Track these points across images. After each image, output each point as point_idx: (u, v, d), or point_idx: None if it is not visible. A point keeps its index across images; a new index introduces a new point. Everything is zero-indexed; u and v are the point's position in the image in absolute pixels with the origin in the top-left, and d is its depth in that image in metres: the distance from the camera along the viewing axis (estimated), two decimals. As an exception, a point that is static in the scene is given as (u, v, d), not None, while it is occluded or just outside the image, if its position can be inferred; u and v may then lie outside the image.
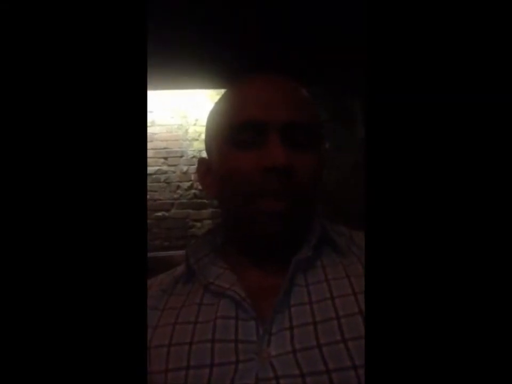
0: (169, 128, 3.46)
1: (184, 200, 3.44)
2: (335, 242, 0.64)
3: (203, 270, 0.64)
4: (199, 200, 3.43)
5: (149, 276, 0.65)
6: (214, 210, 3.38)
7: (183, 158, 3.45)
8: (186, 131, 3.46)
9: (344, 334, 0.53)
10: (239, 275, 0.62)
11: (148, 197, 3.33)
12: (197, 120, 3.44)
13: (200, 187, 2.83)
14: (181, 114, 3.46)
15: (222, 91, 0.70)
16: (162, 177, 3.44)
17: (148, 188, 3.33)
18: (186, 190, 3.44)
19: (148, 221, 3.30)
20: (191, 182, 3.43)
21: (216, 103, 0.68)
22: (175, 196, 3.44)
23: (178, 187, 3.44)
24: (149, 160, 3.32)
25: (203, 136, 0.72)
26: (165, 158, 3.45)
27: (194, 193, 3.43)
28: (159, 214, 3.40)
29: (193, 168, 3.32)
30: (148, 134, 3.33)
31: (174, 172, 3.45)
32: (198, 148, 3.40)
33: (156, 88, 3.04)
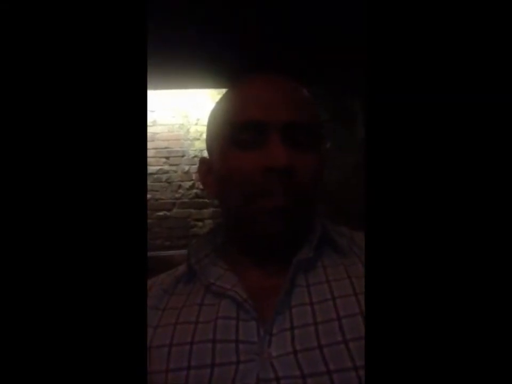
0: (171, 127, 3.46)
1: (186, 200, 3.44)
2: (336, 242, 0.64)
3: (204, 270, 0.64)
4: (201, 200, 3.43)
5: (150, 275, 0.65)
6: (215, 210, 3.38)
7: (185, 157, 3.45)
8: (188, 131, 3.46)
9: (345, 335, 0.53)
10: (240, 275, 0.62)
11: (149, 196, 3.33)
12: (198, 119, 3.44)
13: (201, 187, 2.83)
14: (182, 114, 3.46)
15: (223, 91, 0.70)
16: (164, 176, 3.44)
17: (150, 188, 3.34)
18: (187, 189, 3.45)
19: (150, 221, 3.30)
20: (192, 182, 3.43)
21: (217, 103, 0.68)
22: (177, 195, 3.44)
23: (179, 187, 3.44)
24: (150, 160, 3.32)
25: (204, 135, 0.72)
26: (167, 158, 3.45)
27: (196, 193, 3.43)
28: (161, 213, 3.41)
29: (194, 168, 3.32)
30: (149, 134, 3.33)
31: (175, 172, 3.45)
32: (200, 147, 3.40)
33: (157, 88, 3.04)
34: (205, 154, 0.71)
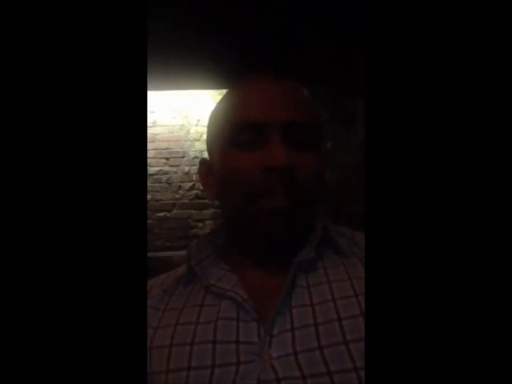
0: (171, 128, 3.46)
1: (186, 201, 3.45)
2: (337, 243, 0.64)
3: (204, 271, 0.64)
4: (201, 201, 3.43)
5: (150, 276, 0.65)
6: (215, 210, 3.39)
7: (185, 158, 3.46)
8: (188, 131, 3.46)
9: (345, 336, 0.53)
10: (240, 275, 0.62)
11: (150, 197, 3.33)
12: (198, 120, 3.44)
13: (201, 187, 2.83)
14: (183, 114, 3.46)
15: (224, 91, 0.70)
16: (164, 177, 3.44)
17: (150, 188, 3.34)
18: (188, 190, 3.45)
19: (150, 221, 3.30)
20: (192, 183, 3.44)
21: (218, 104, 0.68)
22: (177, 196, 3.44)
23: (180, 187, 3.45)
24: (150, 161, 3.33)
25: (205, 136, 0.72)
26: (167, 159, 3.45)
27: (196, 194, 3.43)
28: (161, 214, 3.41)
29: (194, 169, 3.32)
30: (150, 135, 3.34)
31: (175, 172, 3.45)
32: (200, 148, 3.40)
33: (157, 88, 3.04)
34: (205, 155, 0.71)
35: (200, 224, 3.43)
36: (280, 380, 0.51)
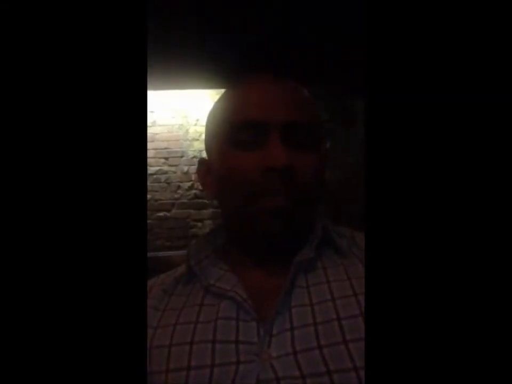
0: (170, 128, 3.46)
1: (185, 200, 3.44)
2: (336, 243, 0.64)
3: (204, 271, 0.64)
4: (200, 200, 3.43)
5: (150, 275, 0.65)
6: (214, 210, 3.39)
7: (184, 158, 3.46)
8: (187, 131, 3.46)
9: (345, 336, 0.53)
10: (240, 275, 0.62)
11: (149, 197, 3.33)
12: (197, 120, 3.44)
13: (200, 187, 2.83)
14: (182, 114, 3.46)
15: (223, 91, 0.69)
16: (163, 177, 3.44)
17: (149, 188, 3.34)
18: (187, 190, 3.45)
19: (149, 221, 3.30)
20: (191, 182, 3.44)
21: (216, 103, 0.68)
22: (176, 196, 3.44)
23: (179, 187, 3.45)
24: (149, 160, 3.32)
25: (203, 136, 0.72)
26: (166, 158, 3.45)
27: (195, 194, 3.43)
28: (161, 214, 3.41)
29: (193, 168, 3.32)
30: (149, 134, 3.33)
31: (174, 172, 3.45)
32: (199, 148, 3.40)
33: (156, 88, 3.04)
34: (204, 154, 0.71)
35: (199, 224, 3.43)
36: (279, 379, 0.51)
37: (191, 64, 2.67)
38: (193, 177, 3.41)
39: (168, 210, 3.43)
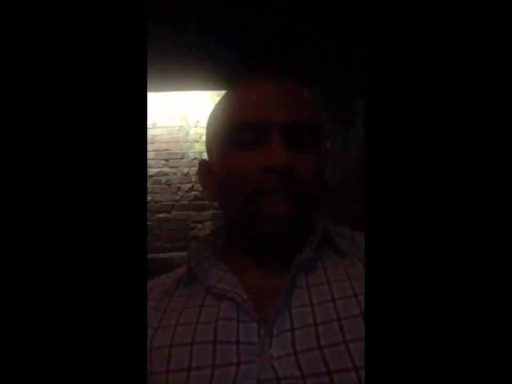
0: (170, 130, 3.46)
1: (185, 202, 3.44)
2: (336, 243, 0.64)
3: (205, 273, 0.64)
4: (200, 202, 3.43)
5: (150, 277, 0.65)
6: (215, 212, 3.39)
7: (184, 159, 3.46)
8: (187, 133, 3.46)
9: (345, 336, 0.53)
10: (240, 276, 0.62)
11: (149, 198, 3.33)
12: (198, 121, 3.44)
13: (201, 189, 2.83)
14: (182, 116, 3.46)
15: (223, 93, 0.70)
16: (163, 179, 3.44)
17: (149, 190, 3.34)
18: (187, 191, 3.45)
19: (150, 223, 3.30)
20: (192, 184, 3.44)
21: (217, 104, 0.68)
22: (176, 197, 3.44)
23: (179, 189, 3.45)
24: (150, 162, 3.33)
25: (204, 137, 0.72)
26: (166, 160, 3.45)
27: (195, 195, 3.43)
28: (161, 215, 3.41)
29: (194, 170, 3.32)
30: (149, 136, 3.34)
31: (175, 174, 3.45)
32: (199, 149, 3.40)
33: (156, 89, 3.04)
34: (205, 156, 0.71)
35: (200, 226, 3.43)
36: (280, 380, 0.51)
37: (191, 65, 2.67)
38: (194, 178, 3.41)
39: (169, 212, 3.43)
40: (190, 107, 3.44)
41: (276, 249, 0.62)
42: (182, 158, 3.46)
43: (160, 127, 3.44)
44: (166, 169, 3.45)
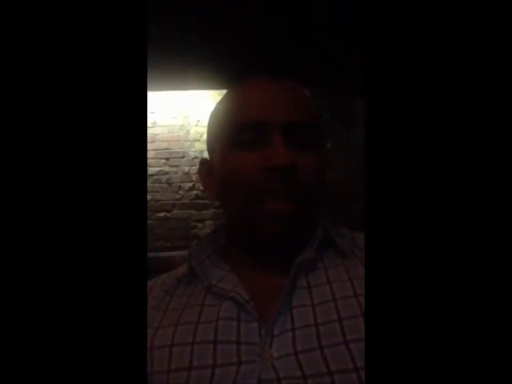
0: (171, 129, 3.46)
1: (186, 201, 3.44)
2: (337, 243, 0.64)
3: (205, 272, 0.64)
4: (201, 201, 3.43)
5: (150, 276, 0.65)
6: (215, 211, 3.39)
7: (185, 158, 3.46)
8: (188, 132, 3.46)
9: (346, 336, 0.53)
10: (241, 276, 0.62)
11: (150, 197, 3.33)
12: (198, 120, 3.44)
13: (201, 188, 2.83)
14: (183, 115, 3.46)
15: (224, 92, 0.70)
16: (164, 177, 3.44)
17: (150, 189, 3.34)
18: (187, 190, 3.45)
19: (150, 222, 3.30)
20: (192, 183, 3.44)
21: (218, 104, 0.68)
22: (177, 196, 3.44)
23: (180, 188, 3.44)
24: (150, 161, 3.33)
25: (205, 136, 0.72)
26: (167, 159, 3.45)
27: (196, 194, 3.43)
28: (161, 214, 3.41)
29: (194, 169, 3.32)
30: (150, 135, 3.34)
31: (175, 173, 3.45)
32: (200, 148, 3.40)
33: (157, 89, 3.04)
34: (206, 155, 0.71)
35: (200, 225, 3.43)
36: (281, 380, 0.51)
37: (192, 64, 2.66)
38: (195, 177, 3.41)
39: (169, 211, 3.43)
40: (190, 106, 3.44)
41: (276, 249, 0.62)
42: (182, 157, 3.46)
43: (160, 126, 3.44)
44: (166, 168, 3.45)
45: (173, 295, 0.65)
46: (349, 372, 0.50)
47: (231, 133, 0.62)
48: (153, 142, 3.38)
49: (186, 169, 3.44)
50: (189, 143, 3.46)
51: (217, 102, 0.69)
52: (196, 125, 3.45)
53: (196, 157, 3.43)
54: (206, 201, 3.41)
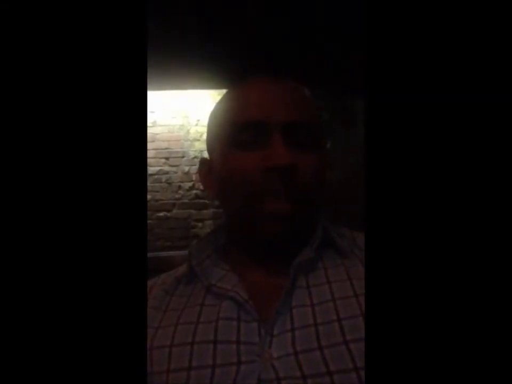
0: (171, 128, 3.46)
1: (186, 201, 3.45)
2: (337, 243, 0.64)
3: (205, 271, 0.64)
4: (201, 201, 3.43)
5: (151, 276, 0.65)
6: (215, 210, 3.39)
7: (185, 158, 3.46)
8: (188, 131, 3.46)
9: (345, 336, 0.53)
10: (241, 276, 0.62)
11: (150, 197, 3.33)
12: (198, 120, 3.44)
13: (201, 187, 2.83)
14: (183, 114, 3.46)
15: (224, 91, 0.70)
16: (164, 177, 3.44)
17: (150, 188, 3.34)
18: (187, 190, 3.45)
19: (150, 221, 3.30)
20: (192, 182, 3.44)
21: (218, 104, 0.68)
22: (177, 196, 3.44)
23: (179, 187, 3.45)
24: (150, 161, 3.33)
25: (205, 136, 0.72)
26: (167, 158, 3.45)
27: (196, 194, 3.43)
28: (161, 214, 3.41)
29: (194, 169, 3.32)
30: (150, 135, 3.34)
31: (175, 172, 3.45)
32: (200, 148, 3.40)
33: (157, 88, 3.04)
34: (205, 155, 0.71)
35: (200, 224, 3.43)
36: (280, 380, 0.51)
37: (192, 64, 2.66)
38: (194, 177, 3.41)
39: (169, 211, 3.43)
40: (190, 106, 3.44)
41: (276, 249, 0.62)
42: (182, 157, 3.46)
43: (160, 126, 3.44)
44: (166, 168, 3.45)
45: (173, 295, 0.65)
46: (349, 372, 0.50)
47: (231, 133, 0.62)
48: (153, 141, 3.39)
49: (186, 168, 3.44)
50: (189, 142, 3.46)
51: (217, 101, 0.69)
52: (196, 125, 3.45)
53: (195, 157, 3.43)
54: (206, 201, 3.41)
